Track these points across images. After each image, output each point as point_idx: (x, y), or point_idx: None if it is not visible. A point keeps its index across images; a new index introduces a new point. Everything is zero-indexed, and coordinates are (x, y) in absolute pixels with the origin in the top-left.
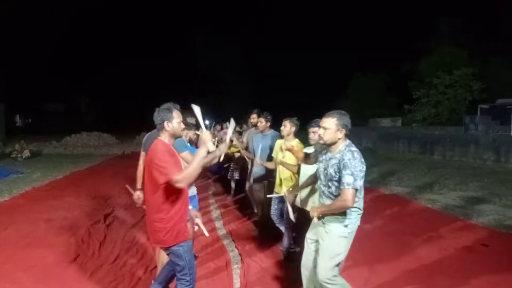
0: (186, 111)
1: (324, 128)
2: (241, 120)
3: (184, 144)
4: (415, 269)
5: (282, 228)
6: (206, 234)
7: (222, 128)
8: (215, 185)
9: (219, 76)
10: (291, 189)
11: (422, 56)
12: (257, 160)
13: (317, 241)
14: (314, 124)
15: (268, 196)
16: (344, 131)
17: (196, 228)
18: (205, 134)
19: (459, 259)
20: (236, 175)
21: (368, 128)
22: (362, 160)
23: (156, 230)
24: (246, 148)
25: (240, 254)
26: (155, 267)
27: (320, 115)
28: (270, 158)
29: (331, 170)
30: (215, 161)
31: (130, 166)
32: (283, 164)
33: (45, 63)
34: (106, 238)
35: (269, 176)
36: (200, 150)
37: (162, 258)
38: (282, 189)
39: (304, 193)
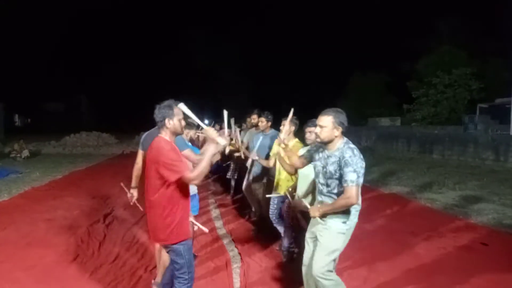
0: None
1: (321, 126)
2: (240, 120)
3: (185, 142)
4: (414, 268)
5: (280, 228)
6: (206, 230)
7: (221, 128)
8: (214, 184)
9: (219, 76)
10: (290, 189)
11: (421, 55)
12: (252, 155)
13: (316, 238)
14: (310, 124)
15: (267, 196)
16: (340, 129)
17: (196, 228)
18: (210, 130)
19: (459, 258)
20: (236, 175)
21: (368, 128)
22: (361, 157)
23: (159, 228)
24: (247, 148)
25: (239, 254)
26: (155, 266)
27: (319, 114)
28: (268, 157)
29: (330, 168)
30: (218, 157)
31: (129, 165)
32: (280, 161)
33: (45, 63)
34: (105, 237)
35: (268, 176)
36: (209, 147)
37: (163, 257)
38: (282, 189)
39: (302, 193)
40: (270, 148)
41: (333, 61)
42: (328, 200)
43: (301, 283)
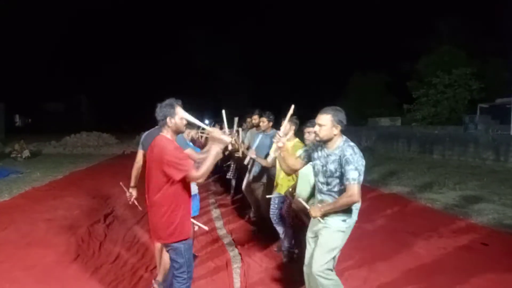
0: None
1: (320, 125)
2: (240, 120)
3: (185, 141)
4: (414, 268)
5: (279, 229)
6: (206, 228)
7: (221, 128)
8: (215, 184)
9: (219, 76)
10: (290, 189)
11: (421, 55)
12: (250, 153)
13: (317, 237)
14: (309, 124)
15: (267, 196)
16: (339, 127)
17: (196, 228)
18: (216, 131)
19: (459, 258)
20: (237, 175)
21: (368, 128)
22: (361, 154)
23: (161, 227)
24: (247, 149)
25: (240, 254)
26: (155, 266)
27: (318, 113)
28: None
29: (331, 167)
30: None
31: (130, 165)
32: (279, 160)
33: (45, 63)
34: (106, 237)
35: (269, 175)
36: (214, 146)
37: (164, 257)
38: (283, 189)
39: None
40: (270, 147)
41: (333, 61)
42: (328, 199)
43: (302, 283)
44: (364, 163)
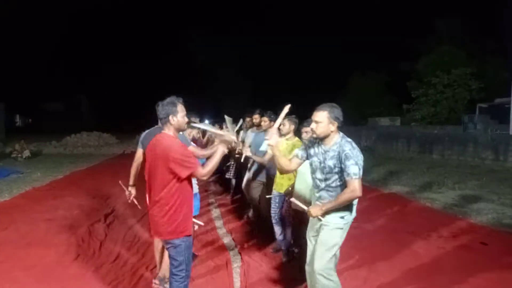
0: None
1: (316, 122)
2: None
3: (187, 140)
4: (414, 268)
5: (278, 229)
6: (201, 223)
7: (221, 128)
8: (215, 184)
9: (219, 76)
10: (290, 188)
11: (421, 55)
12: (245, 150)
13: (318, 235)
14: (306, 124)
15: (267, 196)
16: (336, 124)
17: (196, 227)
18: (227, 135)
19: (458, 257)
20: (237, 175)
21: (367, 128)
22: (359, 149)
23: (163, 224)
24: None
25: (240, 253)
26: (155, 266)
27: (315, 110)
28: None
29: (330, 163)
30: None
31: (130, 165)
32: (275, 157)
33: (45, 63)
34: (106, 237)
35: (268, 174)
36: (221, 146)
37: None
38: (283, 188)
39: (300, 191)
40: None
41: (333, 61)
42: (326, 195)
43: (302, 282)
44: (362, 158)
